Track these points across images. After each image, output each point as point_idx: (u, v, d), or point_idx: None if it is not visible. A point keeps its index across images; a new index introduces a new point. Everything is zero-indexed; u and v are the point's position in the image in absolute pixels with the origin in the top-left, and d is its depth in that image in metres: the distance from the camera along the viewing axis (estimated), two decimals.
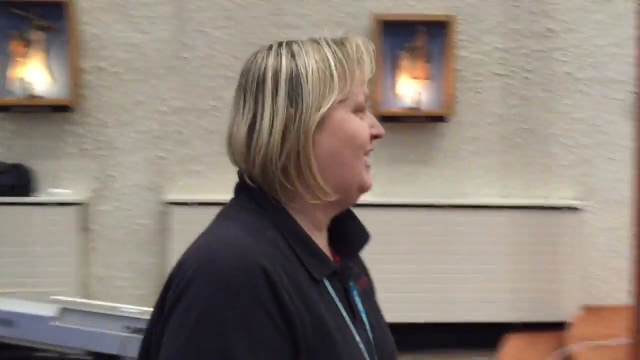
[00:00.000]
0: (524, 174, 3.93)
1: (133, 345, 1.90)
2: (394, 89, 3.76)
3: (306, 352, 0.71)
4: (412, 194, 3.80)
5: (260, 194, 0.84)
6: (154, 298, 3.10)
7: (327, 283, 0.80)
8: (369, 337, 0.83)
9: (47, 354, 2.01)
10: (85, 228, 3.65)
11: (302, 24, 3.75)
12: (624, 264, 4.01)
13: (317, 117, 0.80)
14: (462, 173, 3.85)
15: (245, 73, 0.87)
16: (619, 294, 4.03)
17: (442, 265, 3.72)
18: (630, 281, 2.64)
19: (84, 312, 2.05)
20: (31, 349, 2.05)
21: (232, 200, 0.88)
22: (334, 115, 0.82)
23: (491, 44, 3.87)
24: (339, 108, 0.82)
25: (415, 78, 3.72)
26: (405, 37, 3.73)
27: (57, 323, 1.99)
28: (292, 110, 0.80)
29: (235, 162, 0.87)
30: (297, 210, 0.84)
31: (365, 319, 0.85)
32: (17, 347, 2.04)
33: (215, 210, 3.56)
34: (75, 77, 3.55)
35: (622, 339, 3.27)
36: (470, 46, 3.85)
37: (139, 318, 1.98)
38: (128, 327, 1.95)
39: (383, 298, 3.88)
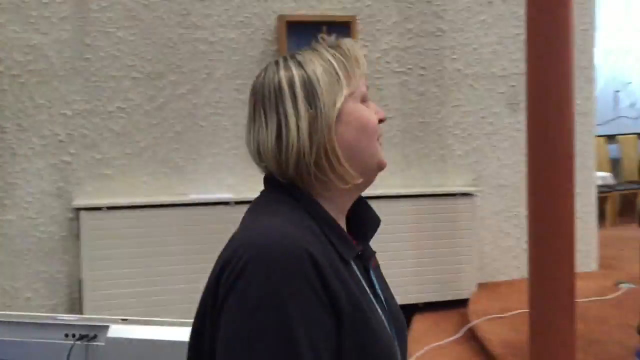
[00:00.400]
0: (423, 165, 4.21)
1: (79, 352, 1.89)
2: None
3: (346, 326, 0.80)
4: None
5: (293, 188, 0.91)
6: (67, 307, 3.04)
7: (353, 264, 0.90)
8: (386, 311, 0.93)
9: None
10: None
11: (208, 25, 3.78)
12: (512, 243, 4.42)
13: (334, 112, 0.89)
14: None
15: (259, 89, 0.93)
16: (509, 270, 4.43)
17: None
18: (527, 257, 2.94)
19: (18, 323, 2.00)
20: None
21: (265, 195, 0.95)
22: (346, 108, 0.91)
23: (389, 43, 4.11)
24: (349, 101, 0.91)
25: None
26: (310, 37, 3.85)
27: None
28: (312, 112, 0.88)
29: (265, 168, 0.94)
30: (327, 198, 0.92)
31: (381, 295, 0.95)
32: None
33: (128, 214, 3.50)
34: None
35: (516, 310, 3.63)
36: (370, 45, 4.06)
37: (80, 325, 1.96)
38: (69, 335, 1.93)
39: None
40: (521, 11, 4.24)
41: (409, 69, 4.14)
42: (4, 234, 3.52)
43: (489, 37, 4.28)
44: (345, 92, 0.90)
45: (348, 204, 0.95)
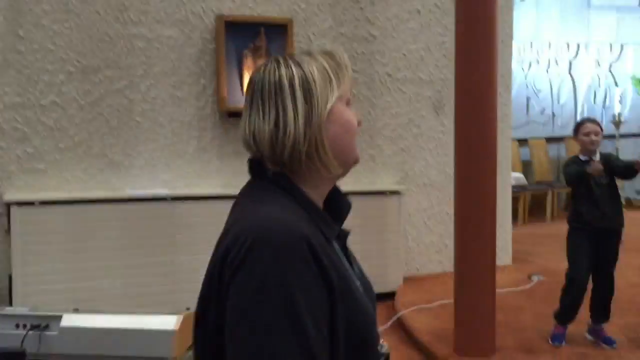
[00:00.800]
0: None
1: (32, 342, 1.91)
2: (239, 85, 3.97)
3: (337, 297, 0.91)
4: None
5: (282, 178, 1.00)
6: None
7: (334, 243, 1.01)
8: (361, 284, 1.05)
9: None
10: None
11: (146, 21, 3.79)
12: (435, 239, 4.68)
13: (326, 110, 0.99)
14: None
15: (259, 83, 1.01)
16: (433, 265, 4.69)
17: None
18: (453, 252, 3.17)
19: None
20: None
21: (255, 185, 1.04)
22: (335, 108, 1.01)
23: (323, 46, 4.25)
24: (337, 103, 1.01)
25: None
26: (247, 37, 3.94)
27: None
28: (307, 107, 0.98)
29: (255, 153, 1.02)
30: (311, 185, 1.02)
31: (355, 269, 1.07)
32: None
33: (62, 209, 3.45)
34: None
35: (440, 301, 3.87)
36: (305, 47, 4.19)
37: (31, 315, 1.98)
38: (19, 326, 1.95)
39: None
40: (446, 20, 4.52)
41: None
42: None
43: (416, 44, 4.51)
44: (335, 94, 1.01)
45: (327, 190, 1.07)
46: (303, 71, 1.00)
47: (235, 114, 3.96)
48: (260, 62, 4.11)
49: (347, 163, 1.05)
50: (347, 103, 1.05)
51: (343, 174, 1.06)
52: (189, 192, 3.82)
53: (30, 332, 1.92)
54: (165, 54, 3.86)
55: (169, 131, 3.90)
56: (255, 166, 1.04)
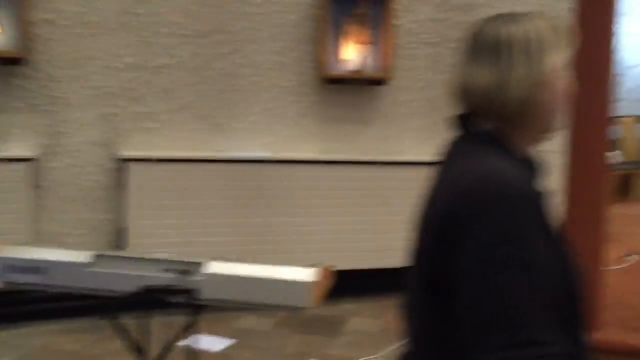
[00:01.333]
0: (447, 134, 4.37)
1: (179, 285, 2.06)
2: (338, 53, 4.01)
3: (556, 251, 0.99)
4: (353, 151, 4.12)
5: (495, 133, 1.04)
6: None
7: None
8: None
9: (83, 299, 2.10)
10: (36, 185, 3.58)
11: None
12: None
13: (547, 76, 1.02)
14: (397, 133, 4.22)
15: (481, 36, 1.04)
16: None
17: (379, 217, 4.08)
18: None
19: (119, 257, 2.16)
20: (69, 296, 2.13)
21: (469, 139, 1.07)
22: (555, 74, 1.03)
23: (423, 15, 4.24)
24: (559, 68, 1.03)
25: (359, 43, 3.99)
26: (349, 4, 3.97)
27: (93, 269, 2.08)
28: (527, 67, 1.01)
29: (466, 105, 1.07)
30: (522, 143, 1.07)
31: None
32: (55, 295, 2.11)
33: (173, 167, 3.62)
34: (24, 29, 3.42)
35: None
36: (406, 16, 4.19)
37: (176, 260, 2.13)
38: (168, 270, 2.10)
39: (326, 247, 4.11)
40: None
41: (441, 40, 4.27)
42: (53, 180, 3.63)
43: None
44: (559, 58, 1.04)
45: (526, 151, 1.10)
46: (532, 31, 1.03)
47: (334, 81, 4.02)
48: (362, 30, 4.14)
49: (551, 130, 1.07)
50: (567, 69, 1.06)
51: (543, 140, 1.08)
52: (289, 155, 3.93)
53: (179, 276, 2.06)
54: (270, 20, 3.94)
55: (270, 96, 4.00)
56: (464, 121, 1.08)
